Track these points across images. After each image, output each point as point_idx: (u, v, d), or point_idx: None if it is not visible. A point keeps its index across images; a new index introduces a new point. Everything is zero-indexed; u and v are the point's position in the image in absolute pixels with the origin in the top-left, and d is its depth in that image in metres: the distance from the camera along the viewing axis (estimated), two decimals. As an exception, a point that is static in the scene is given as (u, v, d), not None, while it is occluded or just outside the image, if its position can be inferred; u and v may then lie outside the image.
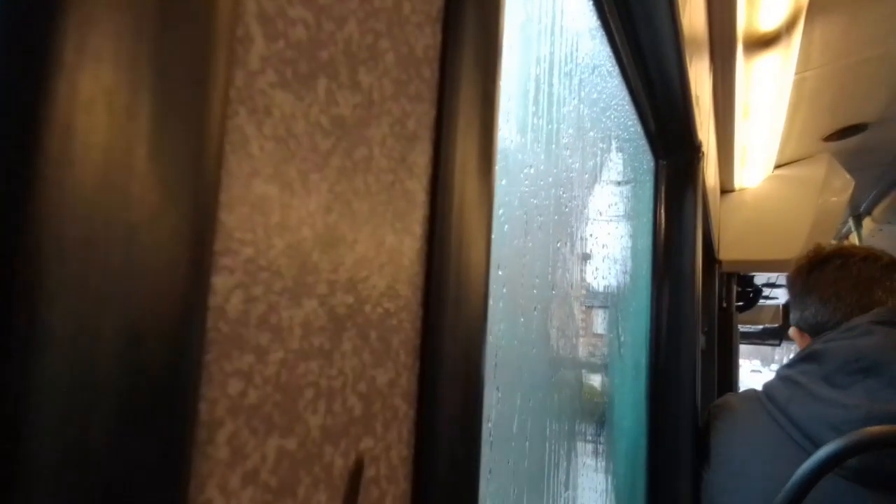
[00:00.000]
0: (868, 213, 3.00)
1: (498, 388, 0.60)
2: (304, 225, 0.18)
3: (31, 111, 0.10)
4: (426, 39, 0.24)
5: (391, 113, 0.22)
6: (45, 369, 0.10)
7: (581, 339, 0.88)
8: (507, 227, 0.62)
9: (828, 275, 1.12)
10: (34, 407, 0.10)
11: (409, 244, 0.23)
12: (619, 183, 1.11)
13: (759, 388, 1.15)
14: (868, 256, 1.11)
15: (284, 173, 0.17)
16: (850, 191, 2.26)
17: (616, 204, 1.10)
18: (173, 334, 0.12)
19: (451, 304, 0.24)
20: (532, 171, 0.69)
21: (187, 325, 0.13)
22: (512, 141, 0.65)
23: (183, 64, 0.13)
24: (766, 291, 3.15)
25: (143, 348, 0.12)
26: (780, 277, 2.94)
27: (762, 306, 4.17)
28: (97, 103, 0.11)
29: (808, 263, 1.17)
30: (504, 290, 0.61)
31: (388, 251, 0.22)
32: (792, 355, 1.15)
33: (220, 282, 0.15)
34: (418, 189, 0.24)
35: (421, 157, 0.24)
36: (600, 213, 0.99)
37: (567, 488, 0.80)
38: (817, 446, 0.88)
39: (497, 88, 0.28)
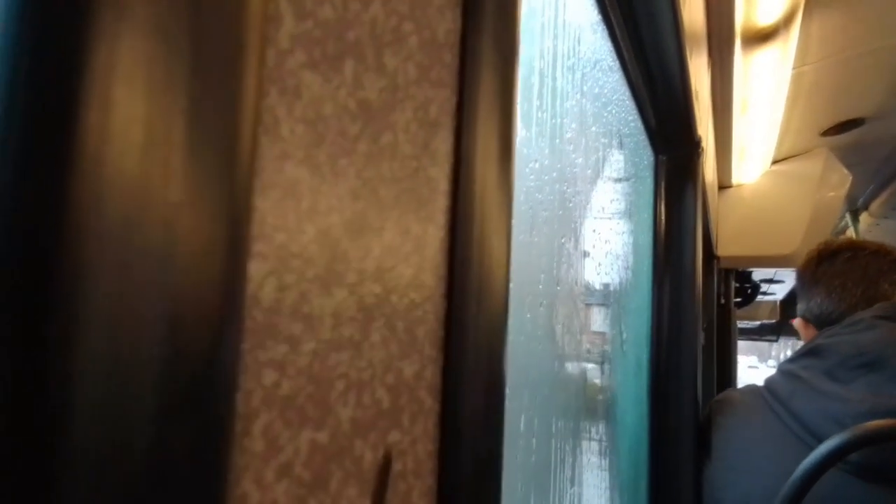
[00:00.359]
0: (865, 207, 3.01)
1: (506, 384, 0.59)
2: (333, 211, 0.17)
3: (70, 82, 0.10)
4: (447, 24, 0.24)
5: (415, 98, 0.21)
6: (86, 356, 0.10)
7: (585, 336, 0.88)
8: (513, 222, 0.62)
9: (836, 266, 1.13)
10: (74, 395, 0.10)
11: (432, 233, 0.23)
12: (620, 178, 1.11)
13: (759, 383, 1.15)
14: (879, 251, 1.12)
15: (314, 157, 0.16)
16: (847, 186, 2.26)
17: (617, 199, 1.09)
18: (213, 321, 0.12)
19: (473, 296, 0.24)
20: (537, 165, 0.69)
21: (226, 311, 0.12)
22: (517, 135, 0.64)
23: (218, 39, 0.12)
24: (764, 287, 3.16)
25: (184, 334, 0.11)
26: (779, 273, 2.95)
27: (760, 302, 4.18)
28: (136, 77, 0.10)
29: (818, 255, 1.17)
30: (511, 286, 0.61)
31: (413, 240, 0.21)
32: (789, 351, 1.15)
33: (254, 268, 0.14)
34: (441, 177, 0.23)
35: (443, 145, 0.23)
36: (602, 209, 0.99)
37: (572, 484, 0.80)
38: (819, 441, 0.87)
39: (516, 74, 0.28)
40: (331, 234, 0.17)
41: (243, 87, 0.13)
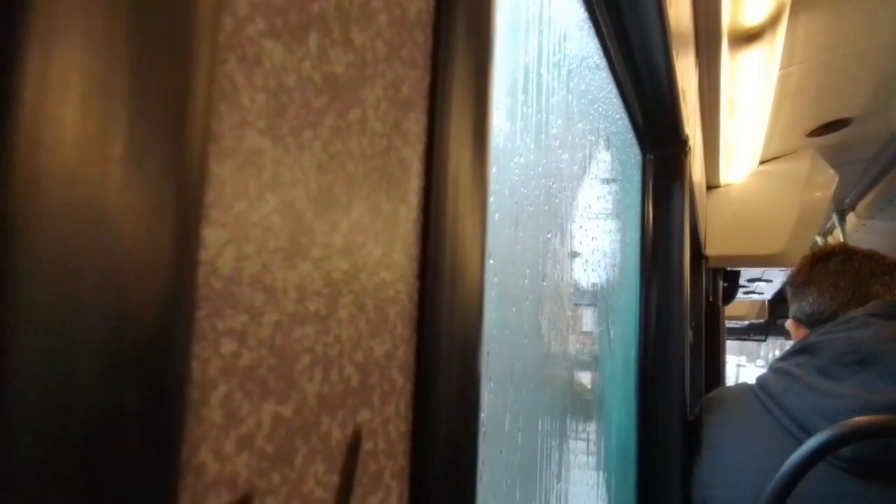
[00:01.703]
0: (852, 208, 3.03)
1: (490, 379, 0.59)
2: (298, 183, 0.17)
3: (4, 23, 0.09)
4: (419, 3, 0.23)
5: (384, 76, 0.21)
6: (23, 312, 0.10)
7: (572, 332, 0.88)
8: (497, 215, 0.62)
9: (830, 268, 1.15)
10: (11, 352, 0.09)
11: (405, 213, 0.22)
12: (607, 176, 1.11)
13: (749, 381, 1.16)
14: (871, 254, 1.14)
15: (277, 128, 0.16)
16: (833, 186, 2.28)
17: (604, 197, 1.10)
18: (161, 282, 0.12)
19: (447, 278, 0.24)
20: (522, 160, 0.69)
21: (177, 274, 0.12)
22: (501, 129, 0.64)
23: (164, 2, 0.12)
24: (752, 287, 3.18)
25: (129, 294, 0.11)
26: (766, 272, 2.97)
27: (748, 301, 4.20)
28: (73, 27, 0.10)
29: (812, 258, 1.20)
30: (496, 279, 0.61)
31: (384, 219, 0.21)
32: (778, 351, 1.16)
33: (211, 235, 0.14)
34: (413, 157, 0.23)
35: (415, 125, 0.23)
36: (589, 206, 0.99)
37: (559, 480, 0.80)
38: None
39: (492, 59, 0.27)
40: (295, 207, 0.17)
41: (193, 48, 0.12)
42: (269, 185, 0.16)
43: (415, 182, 0.23)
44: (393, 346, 0.22)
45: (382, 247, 0.21)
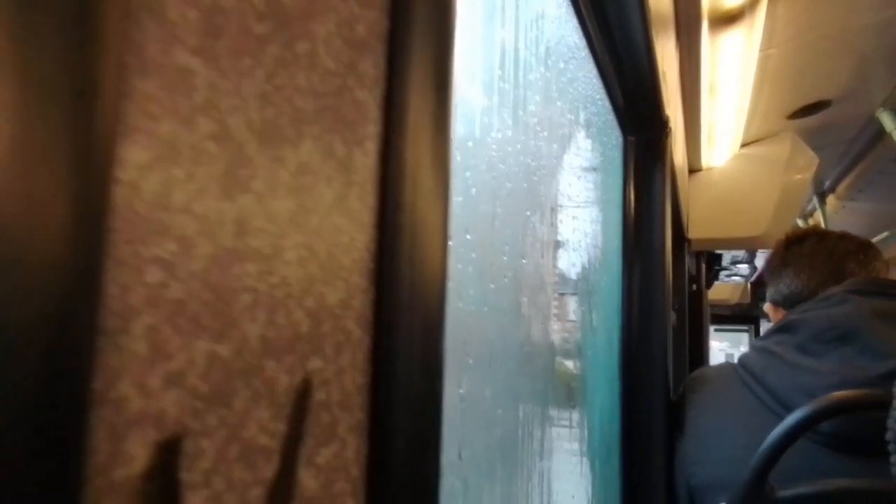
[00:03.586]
0: (832, 190, 3.05)
1: (469, 356, 0.58)
2: (237, 111, 0.16)
3: None
4: None
5: (338, 11, 0.20)
6: None
7: (553, 311, 0.88)
8: (474, 190, 0.61)
9: (805, 249, 1.16)
10: None
11: (360, 159, 0.22)
12: (588, 156, 1.11)
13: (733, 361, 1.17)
14: (844, 235, 1.16)
15: (211, 49, 0.15)
16: (814, 168, 2.29)
17: (586, 177, 1.09)
18: (59, 192, 0.11)
19: (407, 229, 0.23)
20: (500, 135, 0.68)
21: (82, 186, 0.11)
22: (479, 103, 0.63)
23: None
24: (734, 269, 3.20)
25: (7, 199, 0.10)
26: (747, 255, 2.99)
27: (731, 284, 4.23)
28: None
29: (787, 240, 1.21)
30: (473, 256, 0.60)
31: (338, 162, 0.20)
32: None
33: (132, 154, 0.13)
34: (370, 101, 0.22)
35: (373, 69, 0.22)
36: (570, 185, 0.98)
37: (542, 458, 0.79)
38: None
39: (454, 8, 0.27)
40: (233, 136, 0.16)
41: None
42: (202, 109, 0.15)
43: (372, 128, 0.22)
44: (348, 295, 0.21)
45: (335, 191, 0.20)
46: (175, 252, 0.14)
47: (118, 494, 0.13)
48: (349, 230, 0.21)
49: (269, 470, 0.17)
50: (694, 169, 2.37)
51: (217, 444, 0.15)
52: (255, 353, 0.17)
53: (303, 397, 0.18)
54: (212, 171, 0.15)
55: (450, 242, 0.57)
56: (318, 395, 0.19)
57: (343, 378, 0.20)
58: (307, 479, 0.19)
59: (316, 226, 0.19)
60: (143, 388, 0.13)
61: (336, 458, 0.20)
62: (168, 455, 0.14)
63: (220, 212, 0.15)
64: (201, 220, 0.15)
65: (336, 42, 0.20)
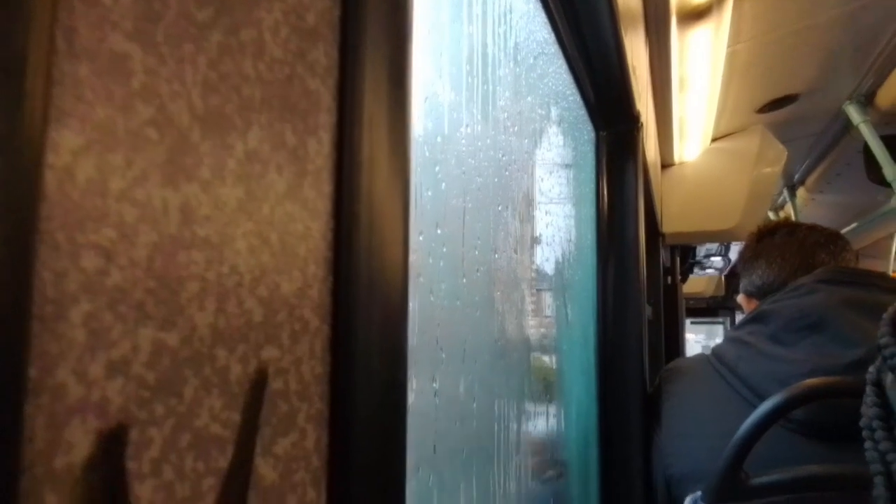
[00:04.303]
0: (802, 182, 3.11)
1: (442, 349, 0.58)
2: (178, 98, 0.16)
3: None
4: None
5: (284, 0, 0.20)
6: None
7: (529, 306, 0.88)
8: (444, 185, 0.61)
9: (776, 241, 1.19)
10: None
11: (315, 148, 0.21)
12: (560, 152, 1.11)
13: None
14: (814, 227, 1.19)
15: (148, 33, 0.15)
16: (783, 161, 2.33)
17: (558, 172, 1.10)
18: None
19: (364, 218, 0.23)
20: (469, 130, 0.68)
21: (6, 167, 0.11)
22: (447, 98, 0.63)
23: None
24: (708, 262, 3.24)
25: None
26: (721, 248, 3.03)
27: (705, 277, 4.28)
28: None
29: (759, 232, 1.24)
30: (444, 250, 0.60)
31: (290, 151, 0.20)
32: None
33: (63, 138, 0.13)
34: (322, 90, 0.22)
35: (325, 58, 0.22)
36: (542, 180, 0.99)
37: (518, 452, 0.80)
38: (765, 402, 0.90)
39: (410, -3, 0.26)
40: (175, 123, 0.16)
41: None
42: (140, 95, 0.15)
43: (325, 117, 0.22)
44: (304, 283, 0.21)
45: (287, 179, 0.20)
46: (114, 239, 0.14)
47: (59, 483, 0.13)
48: (304, 219, 0.21)
49: (223, 460, 0.17)
50: (667, 164, 2.39)
51: (166, 434, 0.15)
52: (205, 341, 0.16)
53: (258, 387, 0.18)
54: (153, 157, 0.15)
55: (420, 237, 0.56)
56: (275, 385, 0.19)
57: (301, 367, 0.20)
58: (265, 469, 0.19)
59: (267, 214, 0.19)
60: (83, 375, 0.13)
61: (295, 448, 0.20)
62: (112, 444, 0.14)
63: (163, 199, 0.15)
64: (143, 207, 0.15)
65: (284, 30, 0.20)
